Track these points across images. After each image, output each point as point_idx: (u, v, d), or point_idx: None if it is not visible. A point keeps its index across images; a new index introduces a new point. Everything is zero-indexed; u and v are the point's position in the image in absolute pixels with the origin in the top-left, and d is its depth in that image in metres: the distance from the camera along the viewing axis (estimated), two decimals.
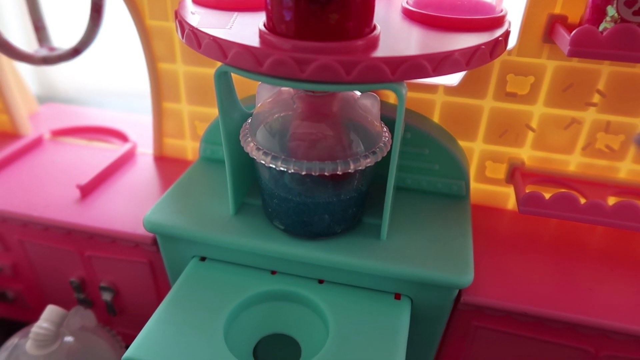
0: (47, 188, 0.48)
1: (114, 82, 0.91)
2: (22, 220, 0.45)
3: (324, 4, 0.27)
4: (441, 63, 0.29)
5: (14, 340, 0.47)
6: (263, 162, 0.33)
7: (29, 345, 0.44)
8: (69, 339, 0.46)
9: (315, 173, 0.32)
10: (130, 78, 0.89)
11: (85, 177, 0.47)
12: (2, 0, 0.78)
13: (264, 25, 0.30)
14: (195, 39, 0.31)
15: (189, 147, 0.53)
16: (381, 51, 0.28)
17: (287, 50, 0.28)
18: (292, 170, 0.32)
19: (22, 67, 0.63)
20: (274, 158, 0.32)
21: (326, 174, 0.32)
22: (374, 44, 0.29)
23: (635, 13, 0.31)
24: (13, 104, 0.56)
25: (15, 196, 0.47)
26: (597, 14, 0.33)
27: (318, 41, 0.28)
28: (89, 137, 0.58)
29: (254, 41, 0.29)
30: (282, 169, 0.32)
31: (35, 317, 0.44)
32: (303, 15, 0.28)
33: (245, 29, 0.31)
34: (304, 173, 0.32)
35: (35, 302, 0.53)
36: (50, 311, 0.44)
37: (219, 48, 0.30)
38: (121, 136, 0.58)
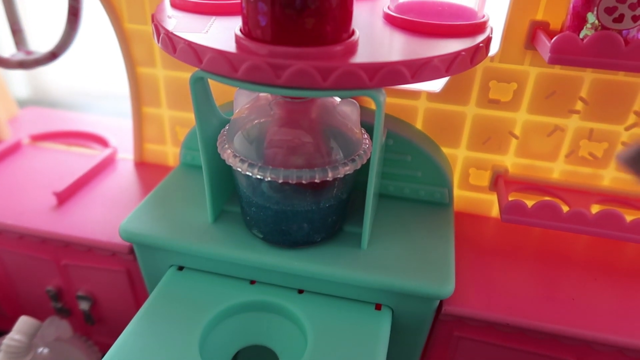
0: (22, 195, 0.47)
1: (104, 85, 0.90)
2: None
3: (300, 9, 0.27)
4: (420, 69, 0.28)
5: None
6: (240, 169, 0.32)
7: (0, 357, 0.43)
8: (43, 350, 0.45)
9: (292, 181, 0.31)
10: (119, 80, 0.88)
11: (63, 184, 0.46)
12: None
13: (240, 30, 0.29)
14: (171, 43, 0.30)
15: (170, 153, 0.52)
16: (359, 57, 0.28)
17: (263, 56, 0.27)
18: (269, 178, 0.31)
19: (11, 71, 0.61)
20: (251, 165, 0.32)
21: (304, 182, 0.31)
22: (352, 49, 0.29)
23: (615, 20, 0.31)
24: None
25: None
26: (578, 20, 0.33)
27: (295, 46, 0.27)
28: (69, 142, 0.57)
29: (229, 46, 0.28)
30: (258, 177, 0.32)
31: (11, 326, 0.43)
32: (279, 20, 0.27)
33: (222, 33, 0.31)
34: (280, 181, 0.31)
35: (11, 311, 0.52)
36: (23, 322, 0.43)
37: (194, 53, 0.29)
38: (102, 141, 0.57)
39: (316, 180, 0.31)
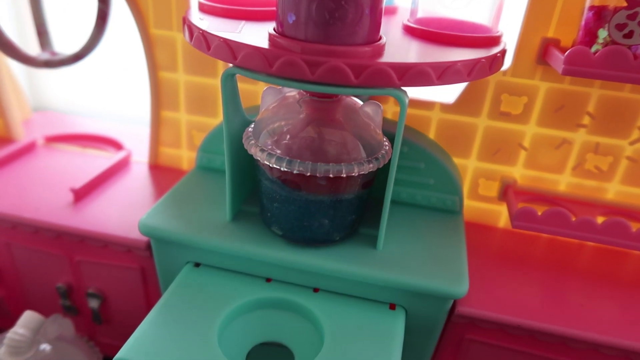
0: (39, 191, 0.47)
1: (106, 94, 0.92)
2: (11, 221, 0.44)
3: (333, 9, 0.28)
4: (445, 72, 0.30)
5: None
6: (268, 163, 0.33)
7: (2, 351, 0.42)
8: (45, 347, 0.44)
9: (320, 175, 0.32)
10: (120, 91, 0.90)
11: (79, 182, 0.47)
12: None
13: (274, 29, 0.31)
14: (205, 41, 0.32)
15: (185, 157, 0.53)
16: (387, 58, 0.30)
17: (298, 53, 0.29)
18: (297, 171, 0.32)
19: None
20: (279, 159, 0.33)
21: (331, 175, 0.32)
22: (379, 51, 0.30)
23: (625, 36, 0.33)
24: (8, 108, 0.56)
25: (5, 198, 0.46)
26: (589, 36, 0.35)
27: (326, 45, 0.29)
28: (83, 145, 0.58)
29: (263, 44, 0.30)
30: (285, 169, 0.33)
31: (12, 325, 0.43)
32: (313, 20, 0.29)
33: (254, 33, 0.32)
34: (308, 174, 0.32)
35: (16, 308, 0.51)
36: (28, 317, 0.43)
37: (229, 49, 0.30)
38: (115, 144, 0.58)
39: (342, 175, 0.32)
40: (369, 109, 0.36)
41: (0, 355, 0.42)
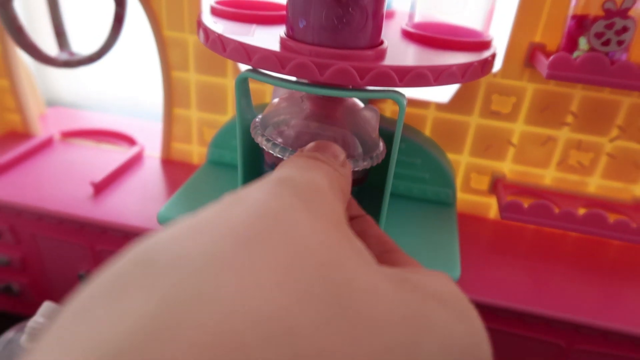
0: (60, 185, 0.50)
1: (117, 88, 0.94)
2: (37, 214, 0.47)
3: (341, 15, 0.31)
4: (442, 74, 0.33)
5: (9, 335, 0.48)
6: (272, 152, 0.36)
7: (24, 339, 0.46)
8: None
9: None
10: (129, 88, 0.92)
11: (98, 176, 0.50)
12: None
13: (285, 33, 0.34)
14: (221, 44, 0.35)
15: (195, 152, 0.56)
16: (388, 61, 0.32)
17: (308, 55, 0.31)
18: None
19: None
20: (283, 149, 0.36)
21: None
22: (382, 55, 0.33)
23: (603, 44, 0.36)
24: (25, 104, 0.59)
25: (29, 191, 0.49)
26: (571, 43, 0.38)
27: (334, 49, 0.32)
28: (97, 139, 0.61)
29: (275, 47, 0.33)
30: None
31: (35, 311, 0.46)
32: (322, 25, 0.32)
33: (266, 37, 0.35)
34: None
35: (39, 296, 0.55)
36: (47, 307, 0.46)
37: (245, 52, 0.33)
38: (128, 139, 0.61)
39: None
40: (367, 113, 0.39)
41: (22, 343, 0.45)
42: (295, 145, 0.37)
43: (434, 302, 0.17)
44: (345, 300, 0.14)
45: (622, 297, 0.42)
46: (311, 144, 0.26)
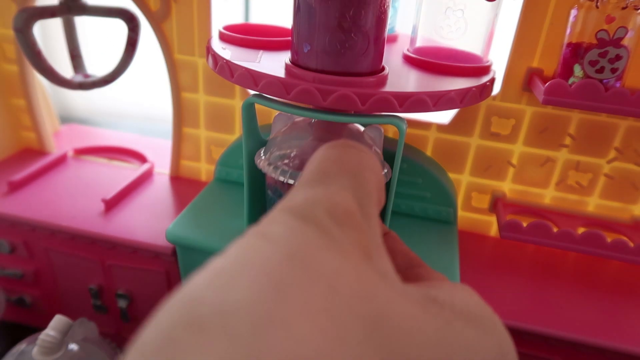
0: (73, 201, 0.52)
1: (127, 106, 0.97)
2: (50, 229, 0.49)
3: (344, 40, 0.33)
4: (440, 99, 0.34)
5: (21, 346, 0.50)
6: (273, 175, 0.38)
7: (35, 351, 0.47)
8: (73, 347, 0.49)
9: None
10: (142, 103, 0.95)
11: (109, 193, 0.52)
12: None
13: (290, 59, 0.36)
14: (229, 70, 0.36)
15: (203, 169, 0.58)
16: (389, 87, 0.34)
17: (311, 82, 0.33)
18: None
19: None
20: (283, 172, 0.37)
21: None
22: (383, 81, 0.35)
23: (597, 71, 0.38)
24: (41, 123, 0.61)
25: (43, 208, 0.51)
26: (567, 70, 0.39)
27: (336, 76, 0.33)
28: (109, 156, 0.63)
29: (281, 73, 0.34)
30: (290, 182, 0.37)
31: (48, 323, 0.48)
32: (325, 50, 0.33)
33: (271, 63, 0.37)
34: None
35: (50, 308, 0.56)
36: (58, 320, 0.47)
37: (252, 78, 0.35)
38: (139, 156, 0.63)
39: None
40: (372, 133, 0.40)
41: (33, 355, 0.47)
42: (300, 168, 0.38)
43: (462, 320, 0.18)
44: (379, 332, 0.15)
45: (621, 316, 0.43)
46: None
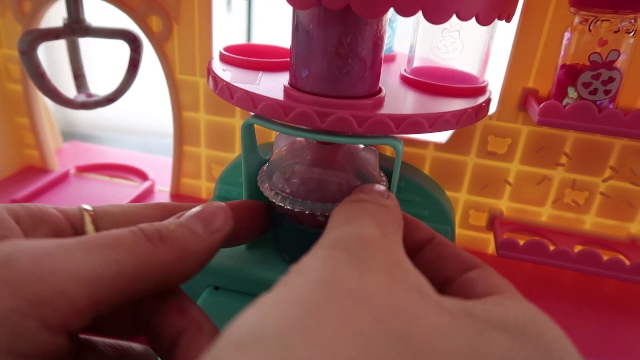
0: None
1: (130, 122, 0.98)
2: None
3: (341, 65, 0.34)
4: (436, 121, 0.34)
5: None
6: (274, 201, 0.38)
7: None
8: None
9: (317, 213, 0.37)
10: (147, 117, 0.96)
11: None
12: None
13: (288, 82, 0.36)
14: (229, 92, 0.37)
15: (204, 187, 0.58)
16: (386, 109, 0.34)
17: (309, 104, 0.33)
18: (298, 210, 0.37)
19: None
20: (283, 198, 0.38)
21: (327, 214, 0.37)
22: (380, 103, 0.35)
23: (590, 93, 0.38)
24: (44, 141, 0.62)
25: None
26: (561, 91, 0.40)
27: (334, 98, 0.34)
28: (111, 174, 0.64)
29: (279, 96, 0.35)
30: (289, 207, 0.38)
31: None
32: (323, 75, 0.34)
33: (270, 85, 0.37)
34: (307, 212, 0.37)
35: None
36: None
37: (251, 100, 0.35)
38: (141, 174, 0.63)
39: None
40: (366, 154, 0.41)
41: None
42: (300, 191, 0.39)
43: (498, 331, 0.19)
44: (405, 343, 0.16)
45: (619, 335, 0.43)
46: (357, 189, 0.28)
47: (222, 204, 0.31)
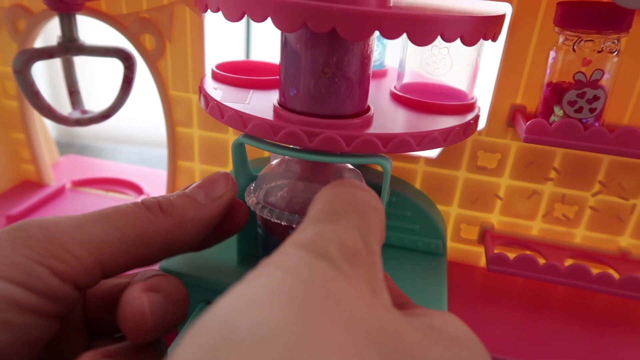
0: None
1: (130, 131, 0.99)
2: None
3: (328, 85, 0.34)
4: (424, 140, 0.35)
5: None
6: (260, 213, 0.39)
7: None
8: None
9: (294, 225, 0.37)
10: (146, 127, 0.97)
11: None
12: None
13: (277, 102, 0.37)
14: (219, 111, 0.37)
15: None
16: (374, 128, 0.34)
17: (298, 124, 0.34)
18: (284, 223, 0.37)
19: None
20: (270, 211, 0.38)
21: None
22: (368, 122, 0.36)
23: (576, 111, 0.39)
24: (40, 156, 0.62)
25: None
26: (548, 108, 0.41)
27: (323, 118, 0.34)
28: (106, 188, 0.64)
29: (268, 115, 0.35)
30: (275, 220, 0.38)
31: None
32: (311, 94, 0.34)
33: (260, 104, 0.38)
34: (294, 226, 0.38)
35: None
36: None
37: (241, 119, 0.36)
38: (136, 188, 0.64)
39: None
40: (348, 175, 0.41)
41: None
42: (286, 205, 0.39)
43: (457, 345, 0.20)
44: (394, 357, 0.16)
45: (608, 349, 0.43)
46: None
47: (225, 172, 0.33)
